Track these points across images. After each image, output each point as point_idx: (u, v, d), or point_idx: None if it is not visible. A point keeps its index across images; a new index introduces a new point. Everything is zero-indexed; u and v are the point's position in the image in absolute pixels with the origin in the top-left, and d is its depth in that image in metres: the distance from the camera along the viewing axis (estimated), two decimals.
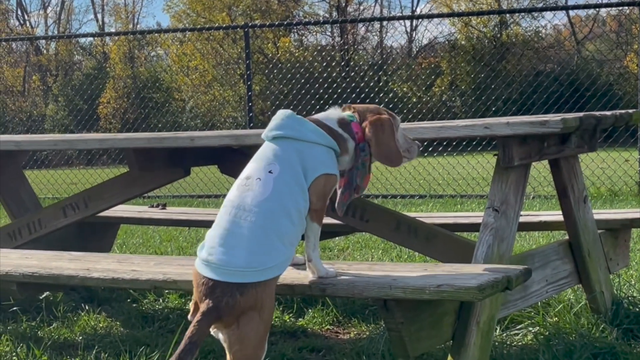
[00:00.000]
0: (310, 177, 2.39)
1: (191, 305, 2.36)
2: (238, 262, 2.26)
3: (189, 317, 2.34)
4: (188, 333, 2.21)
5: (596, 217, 3.37)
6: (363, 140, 2.50)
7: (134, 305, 4.01)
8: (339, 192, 2.51)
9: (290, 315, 3.76)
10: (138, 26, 40.72)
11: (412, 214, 4.40)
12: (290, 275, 2.52)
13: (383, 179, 10.97)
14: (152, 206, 5.09)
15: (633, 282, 3.84)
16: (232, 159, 3.68)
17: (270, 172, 2.38)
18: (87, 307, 3.91)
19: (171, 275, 2.67)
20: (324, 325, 3.62)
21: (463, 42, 28.43)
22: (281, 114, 2.49)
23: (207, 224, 5.34)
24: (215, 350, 3.19)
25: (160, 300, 4.06)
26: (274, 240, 2.31)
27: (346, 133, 2.49)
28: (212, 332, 2.29)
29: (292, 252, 2.37)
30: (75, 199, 3.92)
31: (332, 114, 2.53)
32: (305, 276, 2.49)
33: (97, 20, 42.41)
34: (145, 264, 2.94)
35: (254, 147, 3.60)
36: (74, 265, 2.97)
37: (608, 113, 2.99)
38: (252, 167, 2.43)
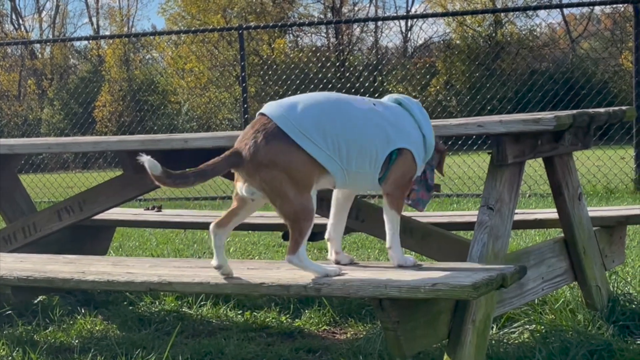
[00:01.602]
0: (399, 142, 2.46)
1: None
2: (290, 114, 2.34)
3: None
4: (206, 163, 2.34)
5: (591, 214, 3.37)
6: None
7: (131, 308, 4.00)
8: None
9: (287, 316, 3.76)
10: (133, 29, 40.68)
11: (407, 214, 4.39)
12: (286, 276, 2.51)
13: None
14: (148, 209, 5.09)
15: (629, 279, 3.84)
16: None
17: (374, 104, 2.50)
18: (83, 311, 3.91)
19: (166, 277, 2.66)
20: (320, 326, 3.62)
21: (458, 42, 28.43)
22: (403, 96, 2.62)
23: (203, 226, 5.33)
24: (211, 352, 3.19)
25: (157, 303, 4.05)
26: (336, 136, 2.36)
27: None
28: (250, 197, 2.39)
29: (335, 159, 2.38)
30: (70, 202, 3.91)
31: None
32: (300, 276, 2.48)
33: (92, 24, 42.31)
34: (140, 266, 2.94)
35: None
36: (69, 269, 2.96)
37: (601, 110, 3.00)
38: (380, 101, 2.56)
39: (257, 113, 2.43)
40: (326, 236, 2.68)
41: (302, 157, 2.34)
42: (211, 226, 2.51)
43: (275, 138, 2.32)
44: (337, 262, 2.65)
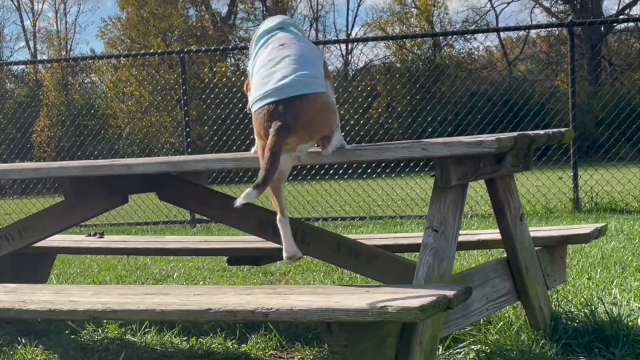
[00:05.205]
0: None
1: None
2: (299, 78, 2.61)
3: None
4: (267, 149, 2.48)
5: (533, 234, 3.42)
6: None
7: (73, 336, 3.92)
8: None
9: (233, 341, 3.73)
10: (71, 53, 40.15)
11: (352, 236, 4.41)
12: (233, 301, 2.50)
13: (323, 202, 10.99)
14: (89, 235, 5.00)
15: (570, 298, 3.91)
16: (170, 186, 3.64)
17: (293, 37, 2.85)
18: (23, 341, 3.81)
19: (110, 304, 2.62)
20: (267, 351, 3.59)
21: (398, 65, 28.77)
22: (277, 17, 2.97)
23: (146, 252, 5.24)
24: None
25: (100, 331, 3.98)
26: (319, 71, 2.74)
27: None
28: (300, 154, 2.65)
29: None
30: (9, 230, 3.82)
31: None
32: (247, 302, 2.47)
33: (29, 48, 41.67)
34: (82, 294, 2.88)
35: (192, 174, 3.59)
36: (9, 298, 2.89)
37: (541, 132, 3.06)
38: (281, 38, 2.82)
39: (263, 112, 2.59)
40: None
41: (321, 95, 2.71)
42: (279, 219, 2.73)
43: (303, 97, 2.60)
44: None
